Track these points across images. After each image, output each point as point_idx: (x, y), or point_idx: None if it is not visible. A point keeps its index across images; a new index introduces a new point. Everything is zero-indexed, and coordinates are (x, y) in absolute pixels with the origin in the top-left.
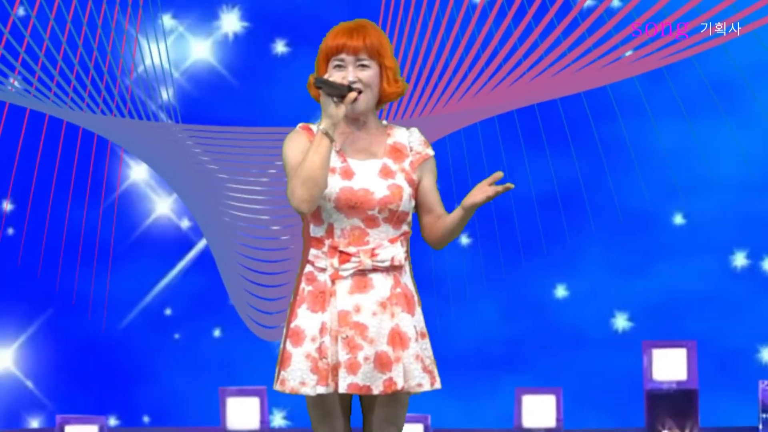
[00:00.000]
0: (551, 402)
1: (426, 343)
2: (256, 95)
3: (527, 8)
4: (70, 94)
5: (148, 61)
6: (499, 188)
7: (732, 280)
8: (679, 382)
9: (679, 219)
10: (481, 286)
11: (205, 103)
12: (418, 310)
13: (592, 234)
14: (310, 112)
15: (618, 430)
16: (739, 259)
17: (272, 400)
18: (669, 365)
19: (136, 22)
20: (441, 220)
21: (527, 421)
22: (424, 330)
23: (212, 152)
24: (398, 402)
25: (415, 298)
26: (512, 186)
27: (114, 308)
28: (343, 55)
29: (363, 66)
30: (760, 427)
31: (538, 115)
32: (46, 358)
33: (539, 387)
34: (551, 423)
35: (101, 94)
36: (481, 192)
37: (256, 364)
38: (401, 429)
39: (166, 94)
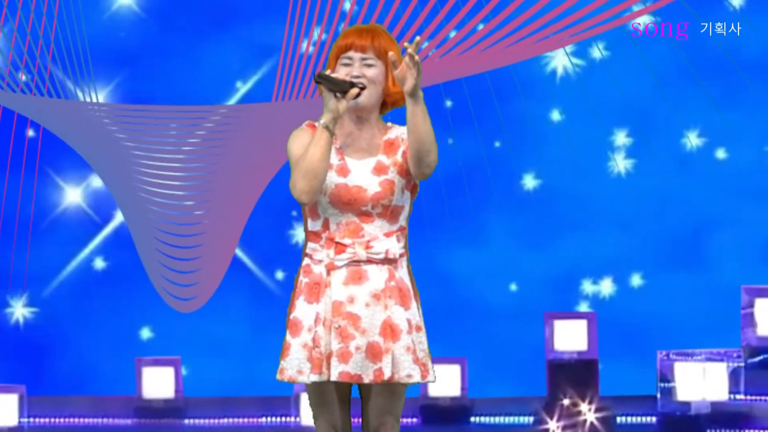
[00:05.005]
0: (456, 372)
1: (421, 336)
2: (172, 74)
3: None
4: None
5: (66, 41)
6: (409, 51)
7: (631, 254)
8: (579, 353)
9: (579, 194)
10: None
11: (123, 81)
12: (414, 304)
13: (495, 208)
14: (223, 92)
15: (521, 399)
16: (638, 234)
17: (187, 369)
18: (570, 336)
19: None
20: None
21: (432, 390)
22: (420, 324)
23: (129, 130)
24: (393, 392)
25: (411, 292)
26: (419, 39)
27: (33, 281)
28: (351, 53)
29: (369, 64)
30: (659, 396)
31: (443, 93)
32: None
33: (444, 357)
34: (456, 392)
35: (20, 73)
36: (401, 72)
37: (170, 335)
38: (398, 418)
39: (84, 73)
